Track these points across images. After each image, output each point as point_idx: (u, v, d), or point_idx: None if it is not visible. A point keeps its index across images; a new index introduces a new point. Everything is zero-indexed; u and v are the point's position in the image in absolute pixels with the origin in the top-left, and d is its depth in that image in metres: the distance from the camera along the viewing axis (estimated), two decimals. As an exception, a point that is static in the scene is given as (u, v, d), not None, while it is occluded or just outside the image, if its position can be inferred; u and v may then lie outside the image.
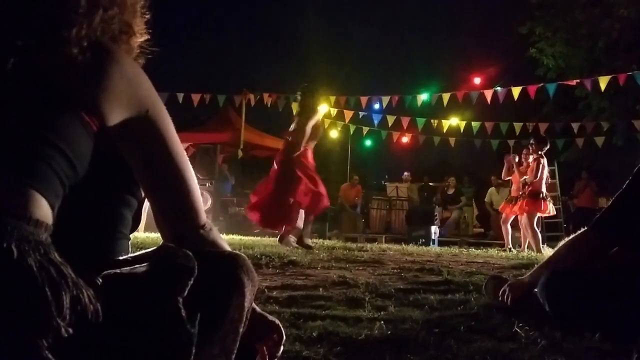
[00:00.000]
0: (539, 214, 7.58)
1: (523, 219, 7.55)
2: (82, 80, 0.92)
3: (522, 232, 7.89)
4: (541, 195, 7.47)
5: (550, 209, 7.64)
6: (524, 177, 7.67)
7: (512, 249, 7.51)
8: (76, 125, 0.91)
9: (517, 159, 8.12)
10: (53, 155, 0.88)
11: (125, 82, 0.96)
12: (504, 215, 8.03)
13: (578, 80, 11.42)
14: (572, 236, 2.33)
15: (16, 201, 0.82)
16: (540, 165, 7.43)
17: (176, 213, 1.06)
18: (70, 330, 0.76)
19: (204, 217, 1.09)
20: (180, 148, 1.04)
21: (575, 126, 11.89)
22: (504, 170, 8.62)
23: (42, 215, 0.84)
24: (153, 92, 1.02)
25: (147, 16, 1.12)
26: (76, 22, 0.95)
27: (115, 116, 0.95)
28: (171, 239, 1.06)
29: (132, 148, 1.01)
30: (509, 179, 8.52)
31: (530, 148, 7.73)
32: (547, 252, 7.08)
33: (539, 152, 7.52)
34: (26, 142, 0.87)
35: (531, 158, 7.65)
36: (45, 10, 0.94)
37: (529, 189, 7.48)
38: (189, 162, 1.06)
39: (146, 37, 1.12)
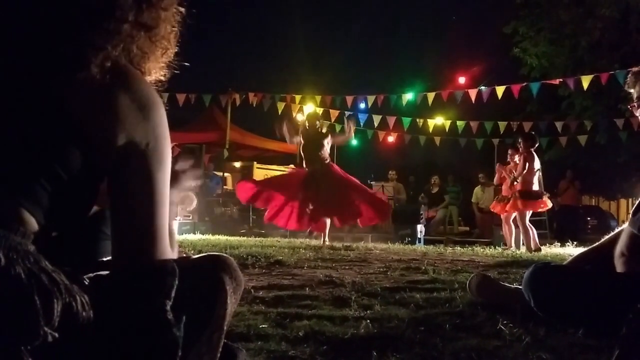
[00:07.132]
0: (531, 211, 7.60)
1: (516, 217, 7.55)
2: (90, 103, 0.91)
3: (505, 230, 7.93)
4: (533, 192, 7.47)
5: (547, 203, 7.66)
6: (512, 175, 7.72)
7: (514, 249, 7.28)
8: (75, 145, 0.90)
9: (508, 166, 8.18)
10: (46, 175, 0.87)
11: (134, 110, 0.94)
12: (502, 216, 7.95)
13: (561, 80, 11.50)
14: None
15: (4, 216, 0.82)
16: (527, 162, 7.45)
17: (133, 246, 0.97)
18: (57, 335, 0.75)
19: (160, 255, 0.97)
20: (165, 189, 0.98)
21: (558, 125, 12.01)
22: (496, 178, 8.77)
23: (29, 230, 0.84)
24: (161, 125, 0.98)
25: (178, 30, 1.08)
26: (110, 45, 0.92)
27: (116, 141, 0.93)
28: (117, 262, 0.98)
29: (119, 172, 0.96)
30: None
31: (519, 146, 7.76)
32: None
33: (528, 150, 7.55)
34: (21, 161, 0.87)
35: (517, 157, 7.71)
36: (84, 35, 0.91)
37: (519, 187, 7.50)
38: (168, 205, 0.99)
39: (175, 50, 1.08)
